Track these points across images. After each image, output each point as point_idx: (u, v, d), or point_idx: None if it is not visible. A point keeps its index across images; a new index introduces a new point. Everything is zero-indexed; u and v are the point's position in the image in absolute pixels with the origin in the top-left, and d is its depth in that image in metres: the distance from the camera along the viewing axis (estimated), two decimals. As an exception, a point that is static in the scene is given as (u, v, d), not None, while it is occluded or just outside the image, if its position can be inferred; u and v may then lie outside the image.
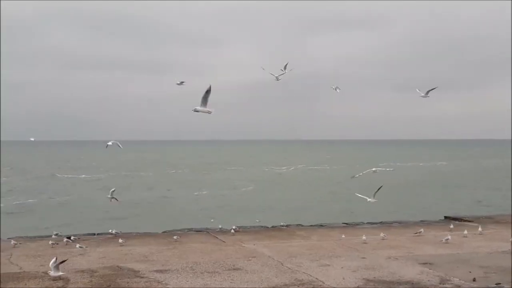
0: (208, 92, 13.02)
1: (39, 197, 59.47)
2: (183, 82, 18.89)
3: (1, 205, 50.69)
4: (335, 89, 21.60)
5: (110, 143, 20.09)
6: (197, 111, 13.34)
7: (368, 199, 20.34)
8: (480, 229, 21.74)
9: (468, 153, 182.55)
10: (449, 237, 19.91)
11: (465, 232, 21.09)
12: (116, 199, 20.71)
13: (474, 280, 14.08)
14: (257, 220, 28.82)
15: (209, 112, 13.42)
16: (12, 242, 19.15)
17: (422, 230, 21.62)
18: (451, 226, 22.95)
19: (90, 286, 13.67)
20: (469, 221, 25.29)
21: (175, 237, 20.48)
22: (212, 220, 26.18)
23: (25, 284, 13.81)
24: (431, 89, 19.31)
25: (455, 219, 26.39)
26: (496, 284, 13.64)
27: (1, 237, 21.05)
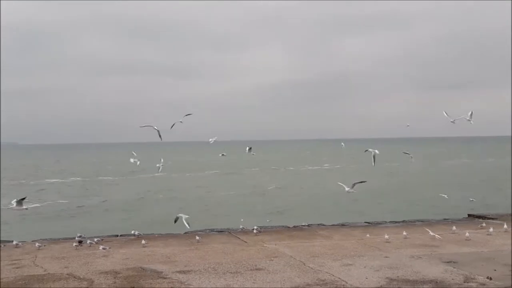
0: None
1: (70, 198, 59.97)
2: None
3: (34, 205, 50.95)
4: None
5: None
6: None
7: (346, 189, 19.96)
8: (505, 226, 21.47)
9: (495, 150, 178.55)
10: (468, 234, 19.81)
11: (490, 230, 20.83)
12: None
13: (490, 278, 13.87)
14: (268, 220, 29.21)
15: None
16: (37, 244, 19.41)
17: (454, 227, 21.55)
18: (479, 225, 22.65)
19: (114, 287, 13.82)
20: (492, 218, 24.96)
21: (197, 237, 20.54)
22: (242, 220, 26.21)
23: (50, 285, 13.98)
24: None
25: (478, 217, 26.07)
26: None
27: (26, 240, 21.32)
